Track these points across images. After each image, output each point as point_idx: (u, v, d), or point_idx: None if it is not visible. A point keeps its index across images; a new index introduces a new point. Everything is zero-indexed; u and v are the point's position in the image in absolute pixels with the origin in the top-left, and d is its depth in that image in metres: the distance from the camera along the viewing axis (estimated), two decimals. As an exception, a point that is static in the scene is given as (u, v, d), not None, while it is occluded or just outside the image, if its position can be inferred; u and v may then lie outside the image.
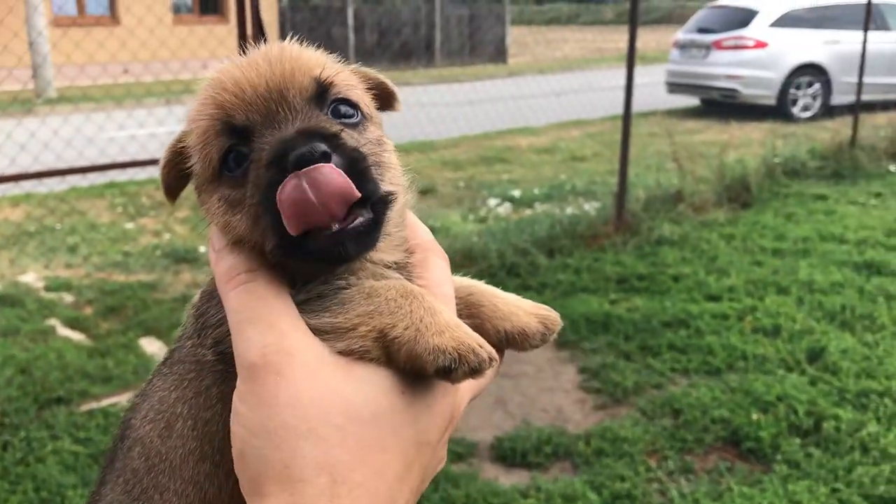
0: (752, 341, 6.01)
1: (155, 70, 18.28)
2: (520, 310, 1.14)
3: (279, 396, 0.89)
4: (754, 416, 5.00)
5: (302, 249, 0.93)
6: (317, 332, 0.95)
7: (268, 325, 0.93)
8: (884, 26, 17.41)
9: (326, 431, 0.87)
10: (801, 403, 5.09)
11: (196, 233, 9.50)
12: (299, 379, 0.90)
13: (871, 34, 12.58)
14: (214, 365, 1.03)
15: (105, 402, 5.34)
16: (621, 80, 8.88)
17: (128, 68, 19.96)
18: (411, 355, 0.92)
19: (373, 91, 1.13)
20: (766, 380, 5.42)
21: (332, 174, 0.88)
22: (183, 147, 1.07)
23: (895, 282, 7.09)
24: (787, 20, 17.66)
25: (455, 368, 0.90)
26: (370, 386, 0.92)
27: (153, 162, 6.35)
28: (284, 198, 0.89)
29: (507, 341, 1.13)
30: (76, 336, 6.50)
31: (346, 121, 1.01)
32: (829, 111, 17.15)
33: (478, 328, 1.07)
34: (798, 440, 4.79)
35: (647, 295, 6.90)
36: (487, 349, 0.92)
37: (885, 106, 14.58)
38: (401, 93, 1.18)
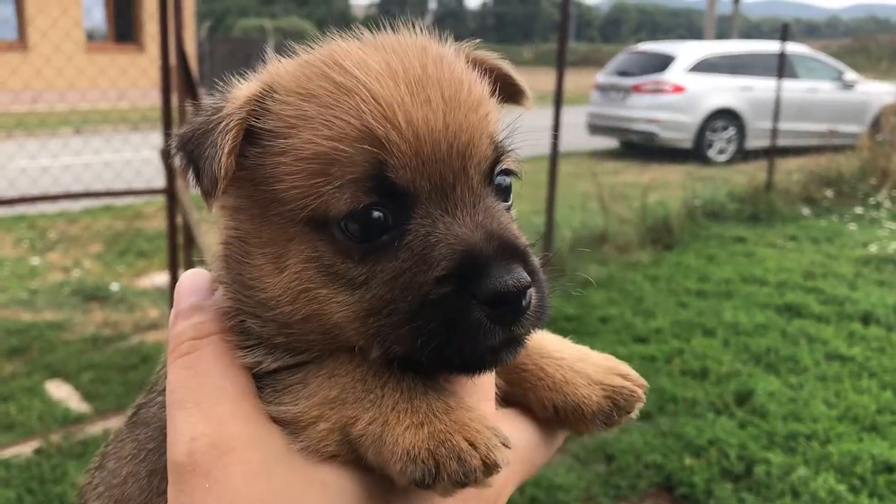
0: (681, 384, 6.00)
1: (69, 98, 17.70)
2: (581, 377, 0.91)
3: (209, 501, 0.69)
4: (687, 461, 4.96)
5: (446, 363, 0.75)
6: (276, 421, 0.76)
7: (202, 412, 0.74)
8: (793, 75, 18.13)
9: None
10: (732, 447, 5.08)
11: (109, 269, 9.09)
12: (236, 485, 0.69)
13: (783, 82, 13.04)
14: None
15: (7, 453, 4.98)
16: (541, 120, 8.86)
17: (39, 96, 19.29)
18: (378, 458, 0.71)
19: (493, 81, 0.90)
20: (697, 423, 5.40)
21: (524, 310, 0.74)
22: (259, 117, 0.80)
23: (815, 324, 7.22)
24: (704, 66, 18.26)
25: (430, 482, 0.68)
26: (335, 495, 0.71)
27: (66, 196, 6.04)
28: (467, 328, 0.72)
29: (558, 419, 0.90)
30: (-24, 379, 6.08)
31: (505, 202, 0.84)
32: (743, 155, 17.71)
33: (519, 397, 0.89)
34: (730, 485, 4.76)
35: (576, 337, 6.69)
36: (482, 452, 0.69)
37: (797, 151, 15.10)
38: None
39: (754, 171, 13.32)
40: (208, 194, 0.79)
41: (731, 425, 5.41)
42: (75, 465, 4.82)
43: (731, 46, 19.89)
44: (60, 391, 5.93)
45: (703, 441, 5.15)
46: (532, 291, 0.74)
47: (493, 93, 0.89)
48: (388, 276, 0.74)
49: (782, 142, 14.33)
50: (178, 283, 0.88)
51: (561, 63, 8.42)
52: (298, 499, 0.70)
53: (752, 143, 17.87)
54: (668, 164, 17.30)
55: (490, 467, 0.70)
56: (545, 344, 0.95)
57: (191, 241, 5.64)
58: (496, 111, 0.84)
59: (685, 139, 18.13)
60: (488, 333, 0.73)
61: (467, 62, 0.88)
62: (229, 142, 0.77)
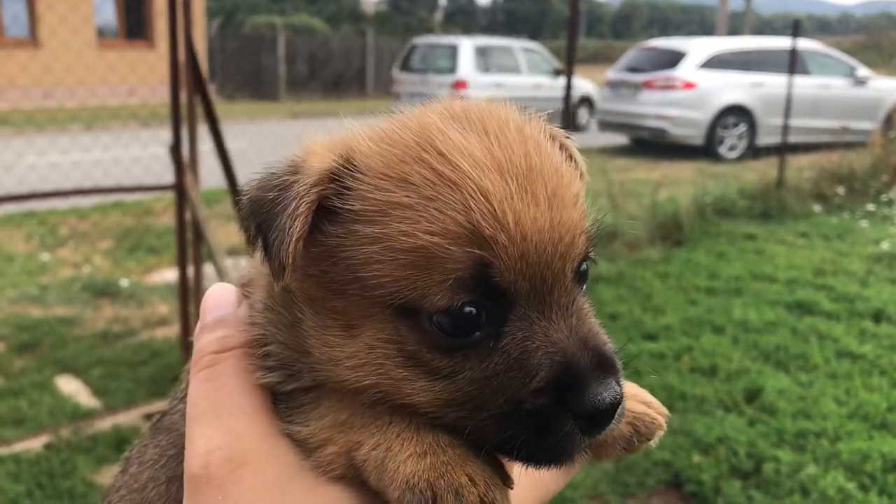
0: (690, 381, 5.99)
1: (79, 95, 17.77)
2: None
3: None
4: (695, 459, 4.94)
5: (524, 459, 0.75)
6: (290, 438, 0.77)
7: (219, 426, 0.75)
8: (805, 71, 18.04)
9: None
10: (741, 445, 5.06)
11: (118, 266, 9.13)
12: (248, 500, 0.70)
13: (794, 78, 12.98)
14: None
15: (17, 447, 5.00)
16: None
17: (50, 93, 19.36)
18: (379, 483, 0.71)
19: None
20: (706, 421, 5.38)
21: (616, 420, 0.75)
22: (338, 196, 0.75)
23: (825, 321, 7.18)
24: (714, 62, 18.18)
25: None
26: None
27: (76, 192, 6.06)
28: (559, 438, 0.72)
29: None
30: (-13, 374, 6.12)
31: (584, 284, 0.84)
32: (754, 152, 17.63)
33: None
34: (739, 483, 4.74)
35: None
36: (481, 490, 0.68)
37: (808, 148, 15.03)
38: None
39: (765, 168, 13.26)
40: (276, 277, 0.75)
41: (741, 423, 5.39)
42: (84, 460, 4.85)
43: (743, 43, 19.79)
44: (70, 386, 5.96)
45: (711, 438, 5.13)
46: (620, 406, 0.75)
47: None
48: (479, 376, 0.73)
49: (794, 138, 14.26)
50: (204, 297, 0.87)
51: (570, 60, 8.39)
52: None
53: (764, 139, 17.80)
54: (679, 161, 17.25)
55: (498, 499, 0.69)
56: None
57: (200, 237, 5.65)
58: (583, 196, 0.83)
59: (696, 136, 18.06)
60: (579, 443, 0.73)
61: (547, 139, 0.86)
62: (298, 229, 0.73)
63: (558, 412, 0.71)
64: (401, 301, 0.73)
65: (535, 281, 0.74)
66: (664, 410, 0.92)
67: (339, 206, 0.75)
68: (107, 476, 4.75)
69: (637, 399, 0.92)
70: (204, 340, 0.82)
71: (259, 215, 0.76)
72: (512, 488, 0.74)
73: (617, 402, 0.72)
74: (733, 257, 9.28)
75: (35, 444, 5.06)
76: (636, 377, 4.46)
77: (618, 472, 4.86)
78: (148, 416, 5.42)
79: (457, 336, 0.73)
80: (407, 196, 0.73)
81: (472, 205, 0.72)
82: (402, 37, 36.65)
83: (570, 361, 0.72)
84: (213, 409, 0.76)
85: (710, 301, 7.74)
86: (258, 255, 0.77)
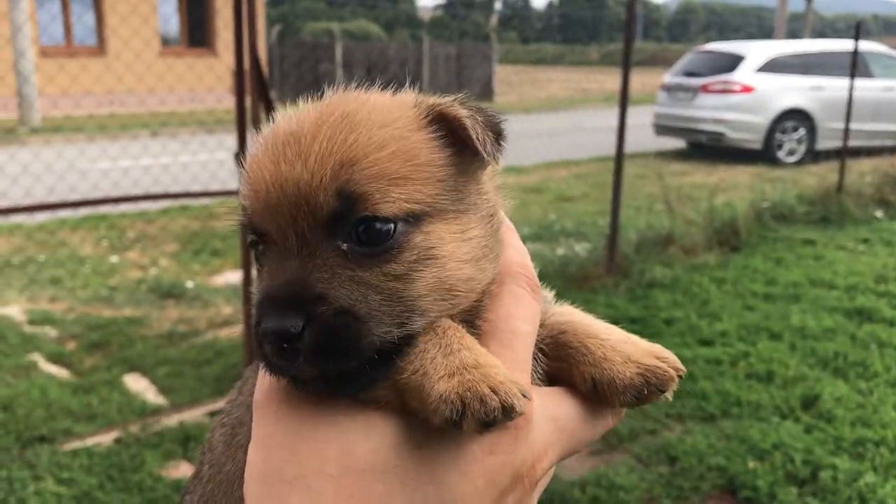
0: (746, 387, 5.97)
1: (145, 101, 18.26)
2: (619, 355, 0.97)
3: (275, 437, 0.85)
4: (751, 465, 4.94)
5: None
6: None
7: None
8: (867, 74, 17.69)
9: (317, 482, 0.81)
10: (798, 452, 5.04)
11: (184, 268, 9.40)
12: (298, 420, 0.85)
13: (856, 81, 12.75)
14: None
15: (90, 441, 5.21)
16: (607, 120, 8.94)
17: (118, 100, 19.93)
18: (419, 403, 0.84)
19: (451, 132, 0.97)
20: (762, 427, 5.37)
21: (294, 353, 0.84)
22: None
23: (887, 328, 7.08)
24: (773, 66, 17.92)
25: (457, 420, 0.79)
26: (376, 435, 0.84)
27: (145, 197, 6.29)
28: (266, 359, 0.87)
29: (597, 392, 0.97)
30: (59, 372, 6.38)
31: (368, 249, 0.88)
32: (814, 156, 17.34)
33: (565, 373, 0.98)
34: (795, 489, 4.73)
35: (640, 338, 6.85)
36: (502, 397, 0.80)
37: (870, 152, 14.75)
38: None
39: (825, 173, 13.05)
40: None
41: (797, 430, 5.36)
42: (152, 455, 5.04)
43: (802, 45, 19.47)
44: (138, 384, 6.18)
45: (767, 445, 5.12)
46: (307, 339, 0.83)
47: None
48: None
49: (855, 142, 14.00)
50: None
51: (626, 63, 8.41)
52: (345, 434, 0.84)
53: (824, 143, 17.49)
54: (737, 166, 17.05)
55: (508, 410, 0.80)
56: (594, 327, 1.02)
57: (263, 240, 5.82)
58: (390, 162, 0.90)
59: (754, 140, 17.82)
60: (281, 367, 0.86)
61: (427, 115, 0.96)
62: None
63: (256, 331, 0.86)
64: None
65: (271, 224, 0.89)
66: (679, 366, 0.98)
67: None
68: (173, 470, 4.94)
69: (653, 355, 0.98)
70: None
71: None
72: (530, 399, 0.86)
73: (279, 331, 0.83)
74: (791, 263, 9.18)
75: (106, 438, 5.26)
76: (692, 382, 4.52)
77: (672, 475, 4.89)
78: (212, 414, 5.60)
79: (259, 264, 0.93)
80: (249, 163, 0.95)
81: (247, 165, 0.94)
82: (458, 44, 36.81)
83: (265, 297, 0.86)
84: None
85: (767, 307, 7.68)
86: None
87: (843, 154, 12.28)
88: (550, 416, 0.93)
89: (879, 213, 11.63)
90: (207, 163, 10.22)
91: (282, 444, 0.84)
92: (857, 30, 12.61)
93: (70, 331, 7.23)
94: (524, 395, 0.83)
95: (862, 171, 13.03)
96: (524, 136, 18.01)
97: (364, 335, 0.84)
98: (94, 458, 5.00)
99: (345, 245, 0.88)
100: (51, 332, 7.23)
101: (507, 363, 0.89)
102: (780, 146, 17.94)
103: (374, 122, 0.92)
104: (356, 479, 0.81)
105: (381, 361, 0.86)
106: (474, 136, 0.95)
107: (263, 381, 0.90)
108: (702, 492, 4.75)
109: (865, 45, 18.03)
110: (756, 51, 18.30)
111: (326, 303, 0.84)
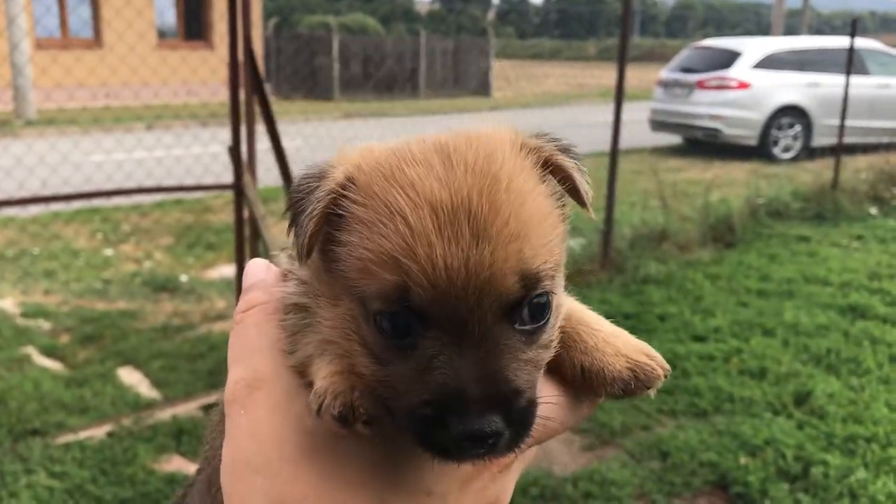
0: (739, 383, 5.98)
1: (140, 94, 18.21)
2: (610, 347, 0.98)
3: (242, 430, 0.88)
4: (742, 460, 4.96)
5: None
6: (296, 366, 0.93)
7: (243, 364, 0.94)
8: (863, 71, 17.70)
9: (280, 466, 0.85)
10: (789, 448, 5.05)
11: (178, 261, 9.39)
12: (262, 412, 0.89)
13: (852, 78, 12.76)
14: None
15: (82, 435, 5.21)
16: (603, 116, 8.95)
17: (113, 92, 19.87)
18: None
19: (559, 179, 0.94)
20: (754, 423, 5.38)
21: (489, 450, 0.82)
22: (342, 195, 0.89)
23: (879, 325, 7.10)
24: (770, 62, 17.93)
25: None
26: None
27: (139, 190, 6.27)
28: (439, 446, 0.82)
29: (584, 379, 0.97)
30: (53, 365, 6.37)
31: (535, 327, 0.88)
32: (810, 153, 17.36)
33: (556, 359, 0.97)
34: (786, 485, 4.75)
35: (634, 334, 6.82)
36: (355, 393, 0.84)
37: (865, 149, 14.77)
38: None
39: (820, 170, 13.07)
40: (299, 260, 0.92)
41: (789, 426, 5.38)
42: (145, 448, 5.04)
43: (799, 42, 19.48)
44: (131, 377, 6.17)
45: (759, 441, 5.14)
46: (505, 436, 0.82)
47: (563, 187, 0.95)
48: (398, 373, 0.85)
49: (851, 139, 14.01)
50: (244, 273, 1.06)
51: (622, 59, 8.40)
52: (304, 422, 0.87)
53: (819, 140, 17.50)
54: (733, 162, 17.07)
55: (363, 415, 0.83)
56: (586, 316, 1.02)
57: (257, 234, 5.82)
58: (545, 232, 0.88)
59: (750, 136, 17.84)
60: (457, 455, 0.83)
61: (540, 163, 0.93)
62: (311, 228, 0.88)
63: (437, 426, 0.81)
64: (358, 295, 0.87)
65: (448, 309, 0.82)
66: (666, 366, 0.99)
67: (337, 211, 0.89)
68: (166, 464, 4.94)
69: (642, 352, 0.99)
70: (247, 297, 1.01)
71: (291, 210, 0.92)
72: None
73: (486, 434, 0.80)
74: (786, 260, 9.19)
75: (98, 432, 5.26)
76: (684, 378, 4.55)
77: (664, 471, 4.90)
78: (205, 408, 5.60)
79: (385, 336, 0.85)
80: (366, 214, 0.86)
81: (397, 235, 0.83)
82: (455, 38, 36.77)
83: (459, 387, 0.81)
84: (238, 352, 0.95)
85: (760, 303, 7.70)
86: (292, 237, 0.94)
87: (839, 151, 12.30)
88: None
89: (874, 210, 11.65)
90: (201, 156, 10.21)
91: (248, 435, 0.87)
92: (854, 27, 12.62)
93: (64, 324, 7.23)
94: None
95: (857, 168, 13.05)
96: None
97: (535, 414, 0.86)
98: (86, 451, 5.00)
99: (518, 326, 0.86)
100: (44, 324, 7.22)
101: None
102: (775, 143, 17.96)
103: (531, 190, 0.89)
104: (316, 461, 0.85)
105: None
106: (583, 191, 0.94)
107: (229, 381, 0.93)
108: (693, 487, 4.76)
109: (862, 42, 18.03)
110: (752, 47, 18.31)
111: (521, 396, 0.84)
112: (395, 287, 0.83)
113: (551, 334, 0.91)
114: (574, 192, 0.95)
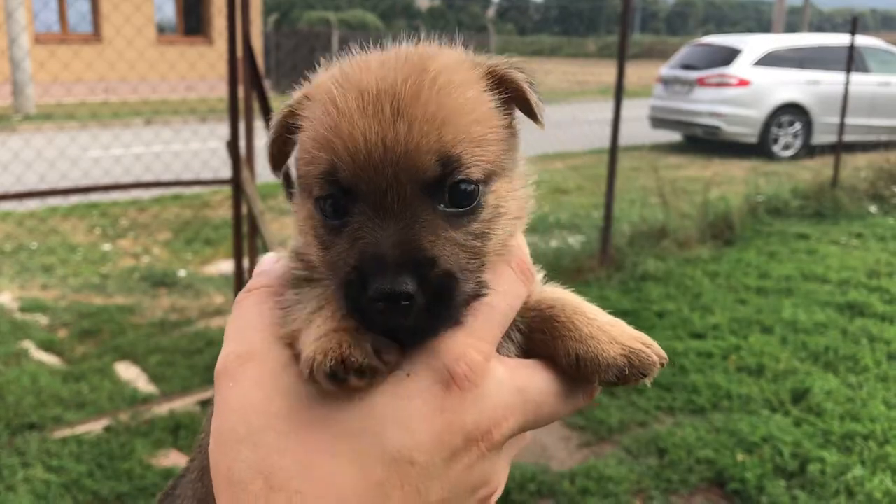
0: (737, 380, 5.98)
1: (140, 90, 18.18)
2: (605, 335, 1.00)
3: (230, 402, 0.90)
4: (739, 457, 4.95)
5: (366, 322, 0.90)
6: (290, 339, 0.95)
7: (237, 338, 0.96)
8: (864, 69, 17.69)
9: (266, 436, 0.86)
10: (786, 445, 5.05)
11: (176, 256, 9.38)
12: (250, 384, 0.90)
13: (852, 76, 12.75)
14: None
15: (79, 429, 5.20)
16: (604, 113, 8.93)
17: (111, 87, 19.84)
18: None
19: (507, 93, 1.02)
20: (751, 420, 5.38)
21: (406, 313, 0.87)
22: (295, 116, 1.02)
23: (878, 323, 7.10)
24: (770, 60, 17.91)
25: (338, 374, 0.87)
26: (318, 389, 0.89)
27: (136, 185, 6.27)
28: (365, 313, 0.88)
29: (579, 367, 0.99)
30: (50, 359, 6.37)
31: (459, 210, 0.94)
32: (810, 150, 17.35)
33: (547, 346, 1.00)
34: (783, 482, 4.75)
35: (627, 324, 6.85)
36: (342, 350, 0.86)
37: (865, 147, 14.76)
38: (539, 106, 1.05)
39: (820, 167, 13.06)
40: (271, 168, 1.09)
41: (786, 423, 5.38)
42: (142, 443, 5.03)
43: (799, 39, 19.45)
44: (129, 372, 6.17)
45: (756, 438, 5.14)
46: (420, 300, 0.86)
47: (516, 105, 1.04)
48: (336, 251, 0.92)
49: (851, 137, 14.01)
50: (263, 258, 1.11)
51: (622, 56, 8.39)
52: (295, 395, 0.89)
53: (819, 138, 17.50)
54: (732, 159, 17.06)
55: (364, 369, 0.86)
56: (583, 306, 1.04)
57: (255, 229, 5.82)
58: (474, 126, 0.94)
59: (750, 134, 17.83)
60: (380, 323, 0.88)
61: (486, 76, 1.01)
62: (272, 134, 1.04)
63: (361, 290, 0.87)
64: (309, 188, 0.97)
65: (370, 184, 0.90)
66: (662, 353, 1.01)
67: (299, 123, 1.01)
68: (163, 459, 4.94)
69: (638, 340, 1.01)
70: (251, 282, 1.04)
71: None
72: (385, 361, 0.89)
73: (399, 295, 0.85)
74: (785, 257, 9.19)
75: (96, 426, 5.26)
76: (682, 375, 4.54)
77: (661, 468, 4.90)
78: (202, 403, 5.60)
79: (326, 218, 0.94)
80: (312, 113, 0.97)
81: (329, 118, 0.93)
82: (454, 34, 36.70)
83: (376, 252, 0.87)
84: (234, 329, 0.98)
85: (759, 301, 7.69)
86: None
87: (839, 148, 12.29)
88: (519, 386, 0.96)
89: (873, 208, 11.65)
90: (199, 151, 10.18)
91: (236, 407, 0.89)
92: (854, 24, 12.60)
93: (61, 318, 7.22)
94: (379, 357, 0.88)
95: (857, 166, 13.04)
96: (520, 128, 17.95)
97: (458, 294, 0.91)
98: (83, 445, 5.00)
99: (441, 207, 0.92)
100: (42, 319, 7.21)
101: (469, 328, 0.94)
102: (775, 140, 17.95)
103: (460, 84, 0.96)
104: (302, 431, 0.86)
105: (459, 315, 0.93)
106: (533, 102, 1.02)
107: (222, 354, 0.95)
108: (690, 484, 4.76)
109: (862, 40, 18.01)
110: (753, 44, 18.29)
111: (437, 265, 0.88)
112: (327, 165, 0.92)
113: (488, 228, 0.96)
114: (526, 105, 1.03)
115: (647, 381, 1.00)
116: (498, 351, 0.99)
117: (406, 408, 0.88)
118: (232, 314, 1.01)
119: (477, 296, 0.94)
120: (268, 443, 0.85)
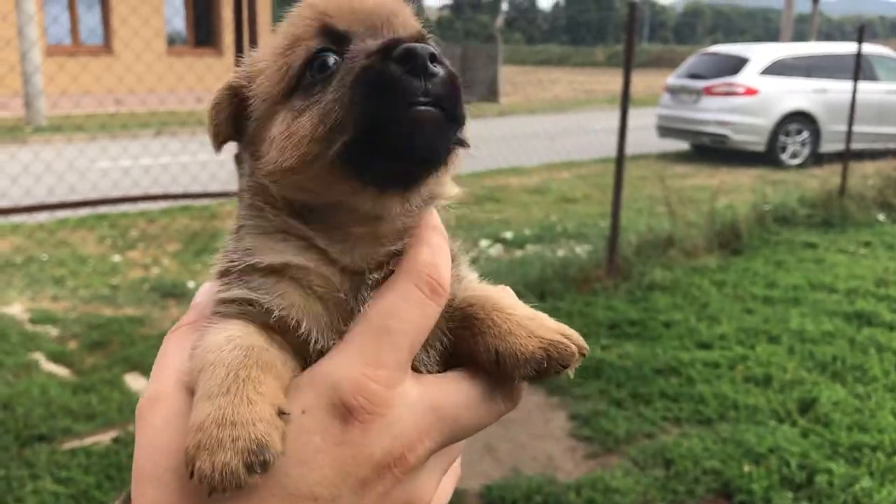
0: (744, 391, 5.97)
1: (148, 101, 18.29)
2: (524, 329, 0.99)
3: (140, 440, 0.93)
4: (746, 468, 4.95)
5: (371, 146, 0.90)
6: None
7: (155, 378, 0.99)
8: (872, 76, 17.67)
9: (169, 476, 0.89)
10: (794, 456, 5.04)
11: (185, 268, 9.43)
12: (158, 425, 0.93)
13: (860, 84, 12.74)
14: None
15: (88, 441, 5.24)
16: (611, 122, 8.95)
17: (120, 99, 19.96)
18: None
19: None
20: (758, 431, 5.37)
21: (433, 73, 0.90)
22: (240, 85, 1.03)
23: (886, 333, 7.08)
24: (777, 68, 17.91)
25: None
26: None
27: (145, 198, 6.31)
28: (388, 83, 0.89)
29: (498, 363, 0.98)
30: (60, 371, 6.40)
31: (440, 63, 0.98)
32: (817, 159, 17.32)
33: (467, 343, 1.00)
34: (790, 494, 4.74)
35: (639, 341, 6.87)
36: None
37: (874, 155, 14.73)
38: None
39: (828, 176, 13.04)
40: (214, 147, 1.12)
41: (793, 433, 5.37)
42: (151, 455, 5.05)
43: (807, 48, 19.45)
44: (138, 384, 6.20)
45: (763, 448, 5.13)
46: (440, 67, 0.90)
47: None
48: (336, 84, 0.93)
49: (859, 145, 13.97)
50: (201, 290, 1.12)
51: (628, 65, 8.41)
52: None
53: (827, 146, 17.47)
54: (740, 168, 17.04)
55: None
56: (501, 302, 1.03)
57: (262, 242, 5.84)
58: None
59: (757, 142, 17.81)
60: (406, 89, 0.89)
61: None
62: (212, 115, 1.06)
63: (383, 62, 0.89)
64: (285, 82, 0.97)
65: (367, 24, 0.95)
66: (582, 343, 1.00)
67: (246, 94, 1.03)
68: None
69: (556, 331, 1.00)
70: (183, 318, 1.07)
71: None
72: (288, 413, 0.88)
73: (428, 50, 0.89)
74: (792, 266, 9.17)
75: (105, 438, 5.29)
76: (689, 385, 4.54)
77: (667, 479, 4.90)
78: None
79: (317, 76, 0.94)
80: (270, 48, 1.00)
81: (303, 8, 0.98)
82: (464, 44, 36.80)
83: (392, 39, 0.91)
84: (155, 368, 1.00)
85: (766, 310, 7.68)
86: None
87: (846, 157, 12.27)
88: (431, 405, 0.94)
89: (881, 217, 11.62)
90: (207, 163, 10.24)
91: (146, 446, 0.92)
92: (861, 32, 12.59)
93: (71, 330, 7.26)
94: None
95: (865, 175, 13.02)
96: (528, 137, 18.01)
97: (462, 105, 0.94)
98: (92, 457, 5.02)
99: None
100: (52, 331, 7.26)
101: (367, 357, 0.91)
102: (783, 149, 17.93)
103: None
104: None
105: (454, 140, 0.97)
106: None
107: (148, 390, 0.98)
108: (697, 495, 4.76)
109: (870, 48, 17.98)
110: (760, 53, 18.29)
111: (445, 62, 0.93)
112: (319, 21, 0.95)
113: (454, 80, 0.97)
114: None
115: (570, 373, 0.99)
116: (417, 362, 0.98)
117: (306, 444, 0.88)
118: (159, 351, 1.03)
119: (459, 144, 0.98)
120: (170, 484, 0.88)
